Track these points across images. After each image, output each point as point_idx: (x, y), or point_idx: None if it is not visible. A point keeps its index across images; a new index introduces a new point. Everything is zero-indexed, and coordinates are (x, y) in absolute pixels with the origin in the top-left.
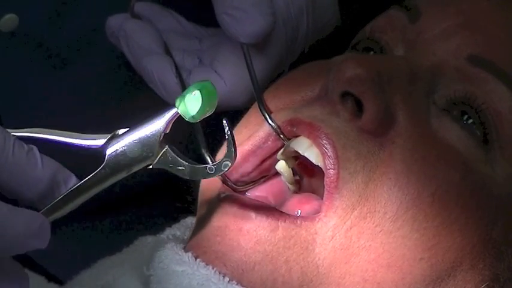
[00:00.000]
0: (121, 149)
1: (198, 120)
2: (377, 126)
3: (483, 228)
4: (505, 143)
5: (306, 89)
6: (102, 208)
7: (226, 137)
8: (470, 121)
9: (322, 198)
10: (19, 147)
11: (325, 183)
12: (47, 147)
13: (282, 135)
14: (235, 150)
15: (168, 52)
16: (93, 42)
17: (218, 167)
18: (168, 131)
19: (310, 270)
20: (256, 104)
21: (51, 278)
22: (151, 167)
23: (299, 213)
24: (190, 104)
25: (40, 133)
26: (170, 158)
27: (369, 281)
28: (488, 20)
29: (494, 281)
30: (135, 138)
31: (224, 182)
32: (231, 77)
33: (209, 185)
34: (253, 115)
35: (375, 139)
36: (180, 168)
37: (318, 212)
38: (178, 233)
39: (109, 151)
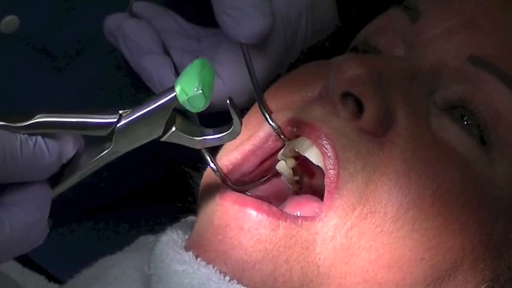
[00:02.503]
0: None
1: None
2: (377, 126)
3: (484, 228)
4: (505, 144)
5: (306, 89)
6: (103, 208)
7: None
8: (470, 122)
9: (322, 199)
10: (26, 145)
11: (325, 183)
12: None
13: (282, 136)
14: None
15: (166, 52)
16: (94, 44)
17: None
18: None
19: (311, 270)
20: (256, 104)
21: (51, 278)
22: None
23: (299, 214)
24: (195, 102)
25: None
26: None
27: (370, 282)
28: (489, 20)
29: (494, 281)
30: (142, 118)
31: (224, 182)
32: (230, 77)
33: (210, 185)
34: (253, 115)
35: (375, 139)
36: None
37: (318, 212)
38: (178, 232)
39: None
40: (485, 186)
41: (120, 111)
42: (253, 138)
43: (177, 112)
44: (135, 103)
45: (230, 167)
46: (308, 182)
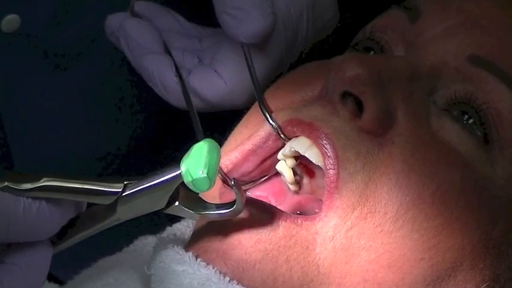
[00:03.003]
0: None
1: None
2: (377, 126)
3: (483, 228)
4: (506, 143)
5: (306, 89)
6: None
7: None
8: (470, 121)
9: (322, 199)
10: (29, 210)
11: (325, 183)
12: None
13: (282, 135)
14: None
15: (167, 51)
16: (95, 43)
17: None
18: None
19: (311, 270)
20: (256, 104)
21: (51, 278)
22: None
23: (299, 214)
24: (200, 185)
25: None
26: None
27: (370, 281)
28: (489, 20)
29: (494, 281)
30: (146, 190)
31: (224, 181)
32: (231, 76)
33: None
34: (253, 115)
35: (375, 139)
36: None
37: (318, 212)
38: (178, 233)
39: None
40: (485, 186)
41: (125, 182)
42: (254, 138)
43: (181, 185)
44: (135, 103)
45: (230, 166)
46: (308, 182)
